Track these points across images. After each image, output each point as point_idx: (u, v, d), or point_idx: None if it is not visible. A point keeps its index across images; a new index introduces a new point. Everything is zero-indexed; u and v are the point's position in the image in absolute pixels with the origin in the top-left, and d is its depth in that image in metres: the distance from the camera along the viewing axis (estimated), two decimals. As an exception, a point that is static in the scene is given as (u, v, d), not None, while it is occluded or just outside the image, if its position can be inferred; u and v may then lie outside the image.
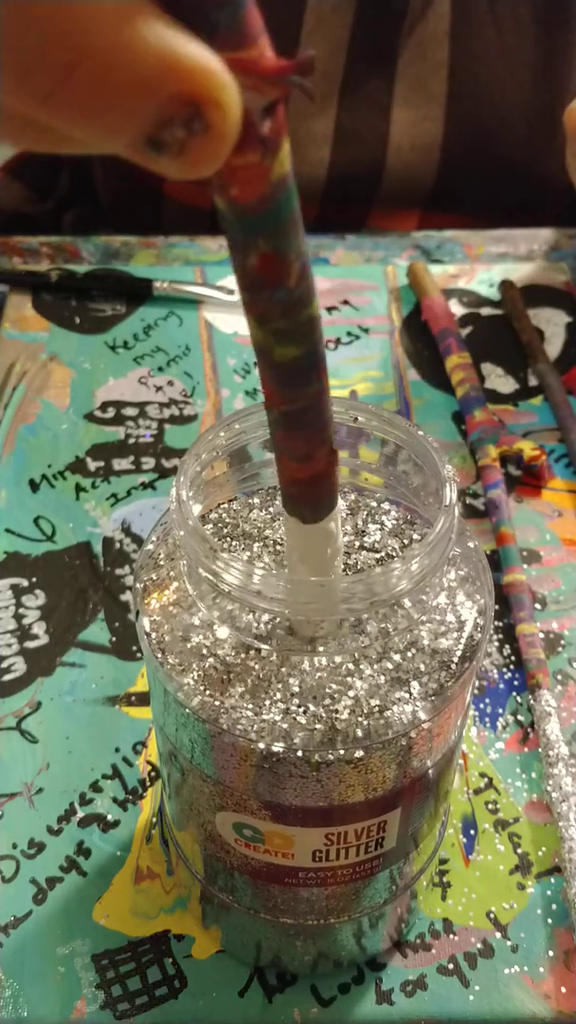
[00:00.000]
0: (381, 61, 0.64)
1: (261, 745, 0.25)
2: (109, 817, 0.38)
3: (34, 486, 0.49)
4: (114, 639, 0.43)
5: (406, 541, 0.29)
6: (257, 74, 0.15)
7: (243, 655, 0.26)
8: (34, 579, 0.45)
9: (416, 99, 0.65)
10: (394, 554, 0.29)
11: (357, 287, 0.61)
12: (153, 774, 0.39)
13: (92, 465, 0.50)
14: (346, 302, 0.59)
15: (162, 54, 0.14)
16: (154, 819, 0.38)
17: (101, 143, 0.15)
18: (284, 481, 0.23)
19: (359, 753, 0.25)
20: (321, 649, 0.26)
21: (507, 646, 0.43)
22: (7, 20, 0.13)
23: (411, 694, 0.25)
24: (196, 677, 0.26)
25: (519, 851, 0.37)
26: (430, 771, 0.28)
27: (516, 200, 0.67)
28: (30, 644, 0.43)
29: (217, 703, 0.25)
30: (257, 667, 0.26)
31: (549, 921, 0.35)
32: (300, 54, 0.15)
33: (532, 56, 0.64)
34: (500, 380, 0.55)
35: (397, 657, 0.26)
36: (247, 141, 0.16)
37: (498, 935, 0.35)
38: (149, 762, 0.39)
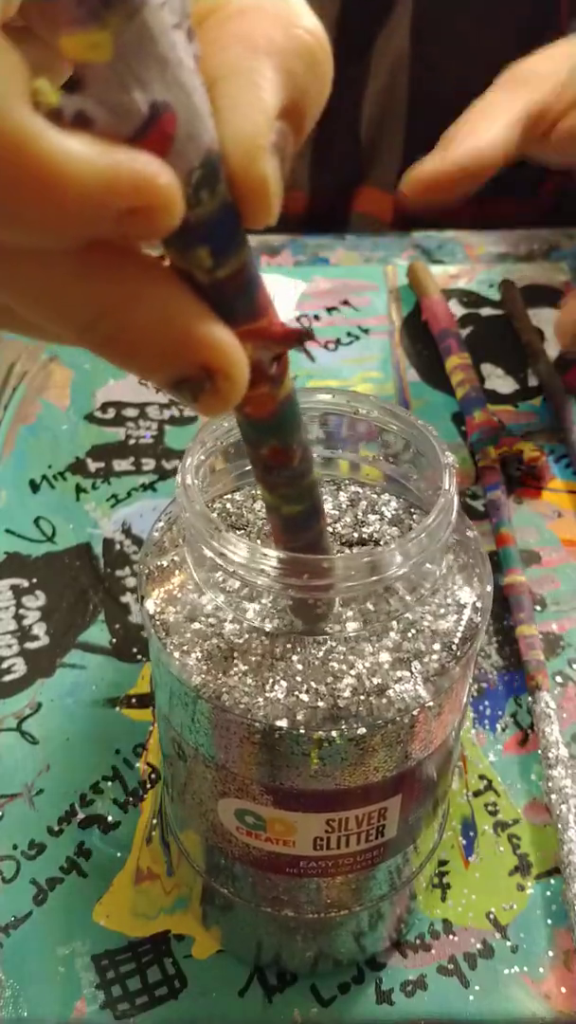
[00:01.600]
0: (357, 50, 0.64)
1: (263, 723, 0.25)
2: (109, 818, 0.38)
3: (34, 487, 0.49)
4: (114, 641, 0.43)
5: (405, 529, 0.30)
6: (266, 339, 0.19)
7: (246, 634, 0.26)
8: (34, 580, 0.45)
9: (384, 81, 0.65)
10: (393, 540, 0.29)
11: (357, 287, 0.61)
12: (153, 776, 0.39)
13: (92, 466, 0.50)
14: (346, 302, 0.60)
15: (186, 335, 0.17)
16: (154, 820, 0.38)
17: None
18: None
19: (361, 731, 0.25)
20: (325, 628, 0.26)
21: (506, 648, 0.43)
22: (68, 295, 0.16)
23: (412, 673, 0.26)
24: (199, 657, 0.26)
25: (518, 852, 0.37)
26: (430, 759, 0.28)
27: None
28: (30, 645, 0.43)
29: (220, 682, 0.26)
30: (259, 646, 0.26)
31: (549, 922, 0.35)
32: (303, 326, 0.20)
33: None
34: (500, 380, 0.56)
35: (398, 637, 0.26)
36: (258, 380, 0.19)
37: (498, 936, 0.35)
38: (149, 764, 0.39)
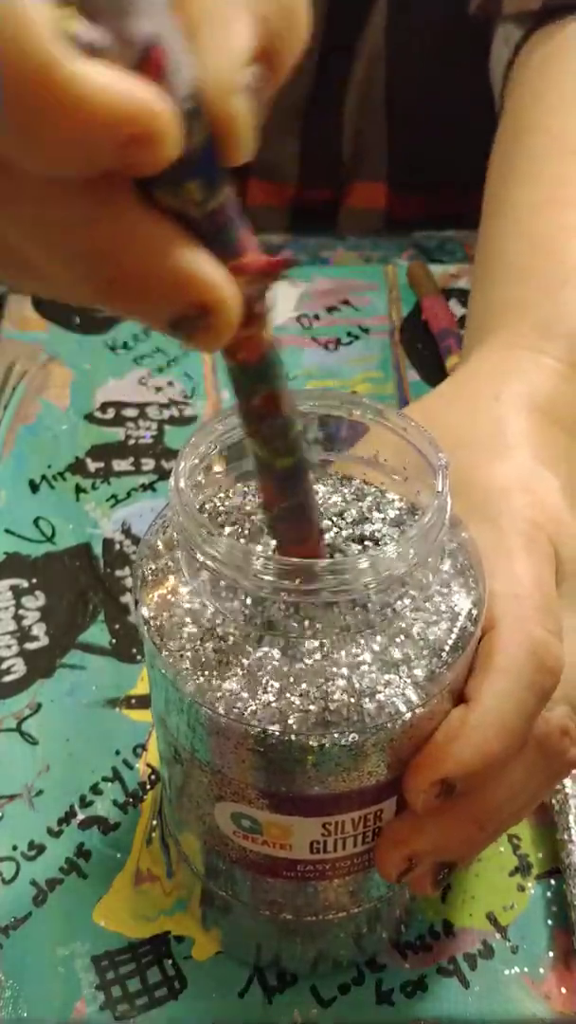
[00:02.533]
0: (344, 42, 0.63)
1: (256, 728, 0.25)
2: (109, 819, 0.38)
3: (34, 487, 0.49)
4: (114, 641, 0.43)
5: (405, 529, 0.30)
6: (252, 273, 0.20)
7: (239, 639, 0.26)
8: (34, 580, 0.45)
9: (364, 72, 0.65)
10: (392, 540, 0.29)
11: (357, 287, 0.61)
12: (153, 777, 0.39)
13: (92, 466, 0.50)
14: (346, 302, 0.59)
15: (182, 273, 0.18)
16: (154, 821, 0.38)
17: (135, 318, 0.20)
18: None
19: (352, 736, 0.25)
20: (316, 632, 0.26)
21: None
22: (76, 233, 0.18)
23: (402, 679, 0.26)
24: (193, 661, 0.26)
25: (519, 853, 0.37)
26: None
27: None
28: (30, 645, 0.43)
29: (213, 686, 0.26)
30: (253, 650, 0.26)
31: (549, 922, 0.35)
32: (284, 256, 0.20)
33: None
34: (500, 380, 0.55)
35: (389, 643, 0.26)
36: (249, 319, 0.20)
37: (498, 936, 0.35)
38: (149, 765, 0.39)
